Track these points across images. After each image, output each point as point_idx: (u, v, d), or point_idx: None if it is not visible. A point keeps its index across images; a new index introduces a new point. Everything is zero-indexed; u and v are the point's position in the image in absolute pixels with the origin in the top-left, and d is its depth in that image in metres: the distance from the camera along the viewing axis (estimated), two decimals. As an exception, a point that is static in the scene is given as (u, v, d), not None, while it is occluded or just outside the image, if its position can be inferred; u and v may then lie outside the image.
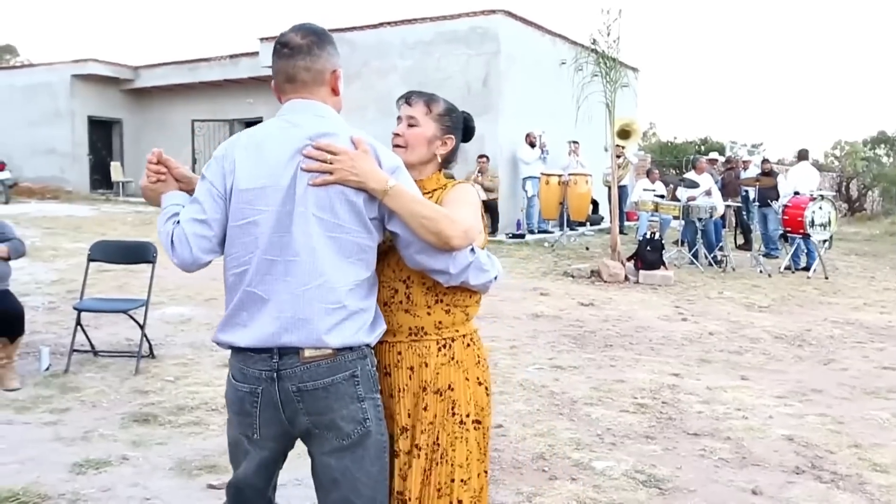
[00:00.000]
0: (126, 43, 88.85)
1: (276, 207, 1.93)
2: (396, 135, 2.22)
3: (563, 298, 8.69)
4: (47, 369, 5.28)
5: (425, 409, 2.12)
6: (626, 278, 10.14)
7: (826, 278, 10.94)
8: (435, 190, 2.21)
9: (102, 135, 23.14)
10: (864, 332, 7.46)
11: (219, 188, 2.00)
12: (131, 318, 5.61)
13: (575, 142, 15.16)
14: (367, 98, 15.70)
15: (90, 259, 5.69)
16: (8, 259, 5.00)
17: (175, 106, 22.62)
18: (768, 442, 4.33)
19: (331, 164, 1.91)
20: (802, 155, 13.27)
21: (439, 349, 2.14)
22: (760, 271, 11.30)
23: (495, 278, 2.16)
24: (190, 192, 2.13)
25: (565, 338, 6.79)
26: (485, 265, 2.11)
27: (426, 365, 2.12)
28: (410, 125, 2.20)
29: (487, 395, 2.22)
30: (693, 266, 11.69)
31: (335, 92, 2.08)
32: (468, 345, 2.20)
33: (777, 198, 12.55)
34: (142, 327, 5.45)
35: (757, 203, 12.88)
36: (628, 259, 10.60)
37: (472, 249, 2.07)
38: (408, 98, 2.24)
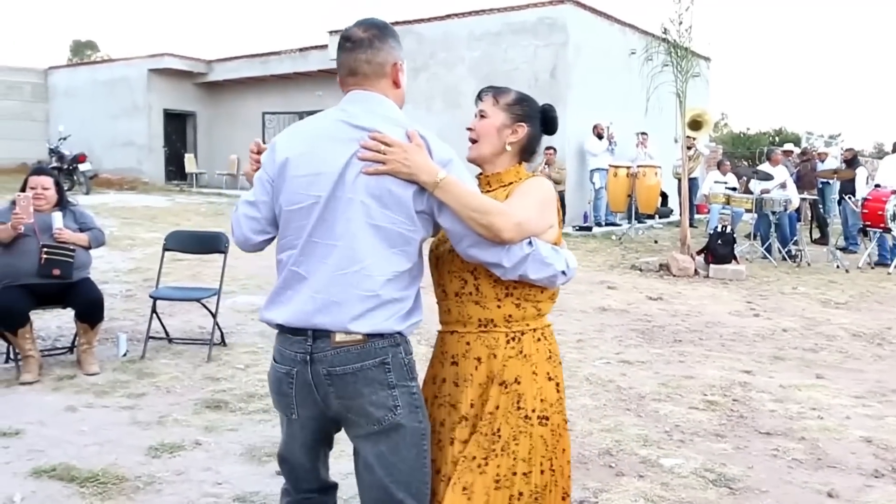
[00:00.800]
0: (200, 37, 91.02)
1: (326, 193, 1.97)
2: (469, 129, 2.24)
3: (630, 292, 8.57)
4: (125, 355, 5.46)
5: (488, 399, 2.10)
6: (696, 272, 9.94)
7: (908, 274, 10.52)
8: (511, 183, 2.20)
9: (177, 127, 23.84)
10: (948, 331, 7.14)
11: (269, 174, 2.07)
12: (204, 306, 5.76)
13: (643, 133, 14.91)
14: (435, 90, 15.76)
15: (165, 249, 5.86)
16: (89, 248, 5.18)
17: (246, 99, 23.12)
18: (845, 443, 4.19)
19: (384, 154, 1.94)
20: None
21: (508, 342, 2.12)
22: (837, 266, 10.93)
23: (563, 273, 2.11)
24: None
25: (633, 332, 6.69)
26: (547, 258, 2.06)
27: (494, 356, 2.11)
28: (481, 117, 2.23)
29: (558, 391, 2.18)
30: (766, 260, 11.38)
31: (396, 84, 2.12)
32: (539, 339, 2.17)
33: (853, 191, 12.14)
34: (214, 316, 5.58)
35: (837, 196, 12.46)
36: (698, 253, 10.39)
37: (530, 242, 2.04)
38: (480, 94, 2.27)
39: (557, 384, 2.18)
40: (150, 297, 5.65)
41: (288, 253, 2.03)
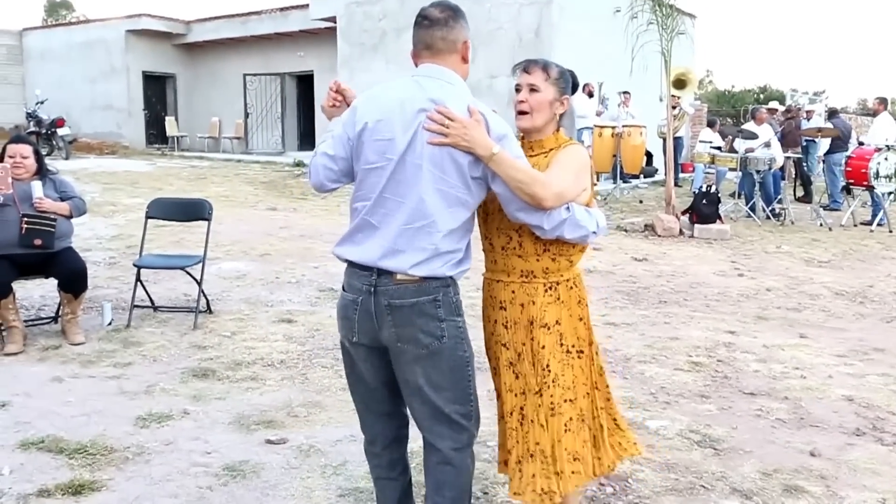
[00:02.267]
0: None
1: (398, 156, 2.24)
2: (521, 101, 2.47)
3: (616, 253, 8.60)
4: (110, 324, 5.43)
5: (533, 339, 2.45)
6: (681, 232, 9.98)
7: (890, 232, 10.62)
8: (552, 149, 2.48)
9: (157, 90, 23.48)
10: (929, 288, 7.23)
11: (349, 133, 2.33)
12: (189, 274, 5.73)
13: (626, 92, 14.84)
14: (418, 50, 15.54)
15: (148, 217, 5.80)
16: (70, 217, 5.12)
17: (227, 60, 22.78)
18: (827, 402, 4.25)
19: (447, 128, 2.20)
20: (885, 103, 12.64)
21: (546, 291, 2.45)
22: (821, 225, 11.01)
23: (594, 233, 2.41)
24: None
25: (619, 294, 6.73)
26: (581, 221, 2.36)
27: (534, 303, 2.45)
28: (532, 90, 2.46)
29: (587, 328, 2.55)
30: (750, 219, 11.44)
31: (465, 60, 2.40)
32: (571, 287, 2.50)
33: (838, 149, 12.20)
34: (199, 283, 5.55)
35: (821, 154, 12.50)
36: (683, 213, 10.42)
37: (568, 207, 2.34)
38: (526, 67, 2.50)
39: (586, 323, 2.55)
40: (134, 265, 5.60)
41: (362, 203, 2.32)
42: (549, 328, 2.45)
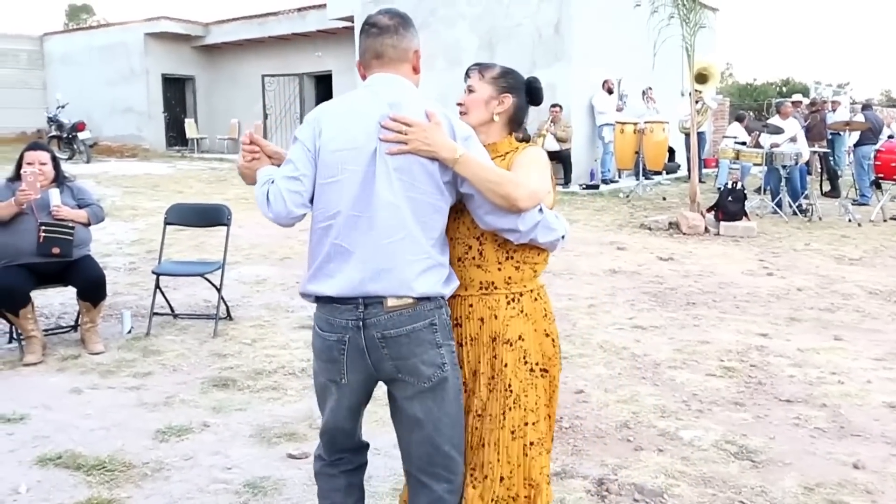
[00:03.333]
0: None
1: (362, 168, 2.10)
2: (459, 104, 2.40)
3: (640, 253, 8.44)
4: (129, 332, 5.37)
5: (495, 357, 2.27)
6: (707, 230, 9.79)
7: (922, 227, 10.36)
8: (507, 153, 2.34)
9: (176, 92, 23.53)
10: (966, 286, 7.02)
11: (310, 148, 2.15)
12: (208, 280, 5.65)
13: (649, 87, 14.64)
14: (435, 48, 15.43)
15: (167, 223, 5.72)
16: (88, 224, 5.06)
17: (245, 61, 22.79)
18: (868, 410, 4.09)
19: (405, 135, 2.09)
20: None
21: (508, 303, 2.28)
22: (849, 220, 10.77)
23: (563, 237, 2.28)
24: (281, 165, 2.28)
25: (645, 295, 6.58)
26: (552, 224, 2.24)
27: (495, 317, 2.27)
28: (469, 91, 2.38)
29: (554, 346, 2.37)
30: (776, 216, 11.22)
31: (416, 70, 2.29)
32: (535, 299, 2.34)
33: (868, 142, 11.94)
34: (219, 290, 5.48)
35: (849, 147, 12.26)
36: (708, 210, 10.23)
37: (540, 209, 2.21)
38: (467, 72, 2.43)
39: (553, 339, 2.37)
40: (153, 273, 5.54)
41: (325, 224, 2.13)
42: (511, 344, 2.27)
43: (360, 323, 2.10)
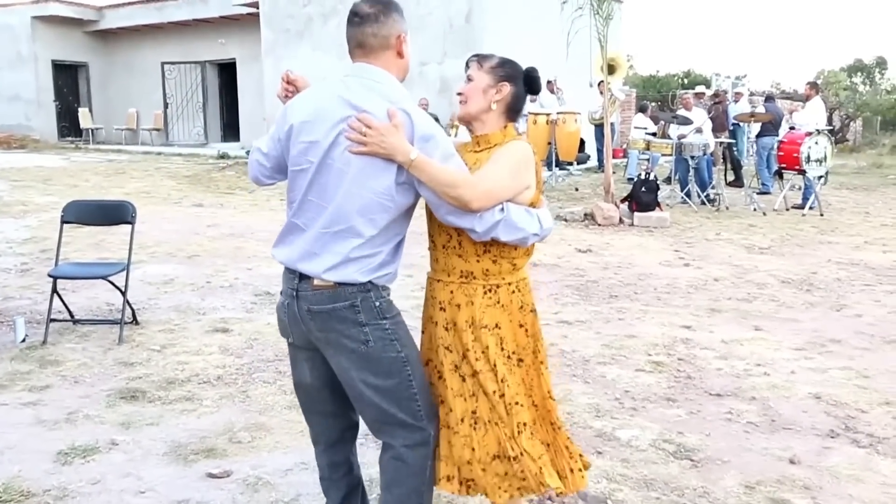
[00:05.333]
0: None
1: (319, 159, 2.21)
2: (458, 93, 2.43)
3: (559, 244, 8.41)
4: (23, 341, 4.93)
5: (477, 340, 2.32)
6: (621, 221, 9.88)
7: (822, 215, 10.76)
8: (495, 145, 2.37)
9: (68, 80, 22.33)
10: (870, 273, 7.27)
11: (279, 134, 2.33)
12: (111, 283, 5.25)
13: (555, 78, 14.69)
14: (343, 36, 15.09)
15: (63, 221, 5.28)
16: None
17: (143, 48, 21.83)
18: (795, 401, 4.11)
19: (365, 136, 2.15)
20: (816, 88, 12.66)
21: (485, 293, 2.34)
22: (755, 210, 11.08)
23: (536, 235, 2.29)
24: None
25: (568, 288, 6.53)
26: (518, 223, 2.25)
27: (472, 303, 2.34)
28: (469, 80, 2.41)
29: (527, 335, 2.40)
30: (686, 205, 11.46)
31: (400, 55, 2.31)
32: (513, 291, 2.37)
33: (768, 133, 12.32)
34: (123, 294, 5.09)
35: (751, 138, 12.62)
36: (622, 200, 10.33)
37: (502, 209, 2.23)
38: (467, 62, 2.45)
39: (527, 330, 2.40)
40: (50, 276, 5.10)
41: (292, 205, 2.30)
42: (489, 329, 2.34)
43: (295, 293, 2.29)
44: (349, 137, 2.17)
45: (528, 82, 2.42)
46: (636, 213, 9.90)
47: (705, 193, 11.60)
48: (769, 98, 14.67)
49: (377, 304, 2.27)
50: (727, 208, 11.22)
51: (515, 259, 2.37)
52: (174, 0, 20.37)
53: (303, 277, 2.26)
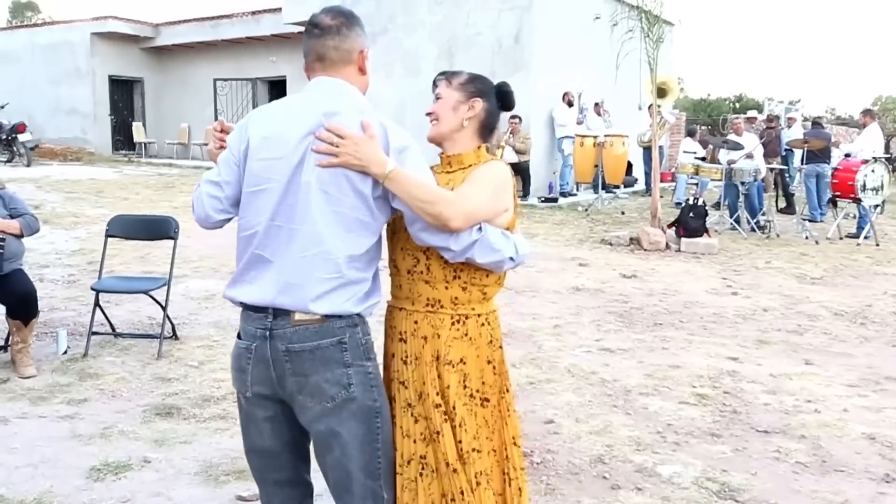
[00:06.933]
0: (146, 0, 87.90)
1: (286, 178, 2.01)
2: (429, 113, 2.30)
3: (603, 269, 8.27)
4: (65, 352, 4.98)
5: (439, 377, 2.16)
6: (668, 246, 9.69)
7: (877, 245, 10.42)
8: (471, 165, 2.25)
9: (123, 94, 22.83)
10: (928, 307, 6.99)
11: (235, 154, 2.11)
12: (152, 298, 5.28)
13: (602, 100, 14.60)
14: (394, 55, 15.18)
15: (108, 235, 5.34)
16: (21, 236, 4.67)
17: (197, 64, 22.23)
18: (848, 441, 3.93)
19: (337, 147, 1.99)
20: (872, 115, 12.35)
21: (452, 324, 2.18)
22: (807, 238, 10.79)
23: (511, 259, 2.15)
24: None
25: (611, 315, 6.39)
26: (495, 245, 2.11)
27: (438, 336, 2.17)
28: (437, 99, 2.29)
29: (495, 373, 2.25)
30: (734, 232, 11.21)
31: (362, 71, 2.17)
32: (483, 324, 2.23)
33: (815, 160, 12.02)
34: (164, 308, 5.12)
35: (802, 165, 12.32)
36: (669, 226, 10.15)
37: (480, 228, 2.09)
38: (434, 81, 2.34)
39: (494, 367, 2.24)
40: (92, 289, 5.15)
41: (249, 233, 2.07)
42: (453, 366, 2.17)
43: (268, 333, 2.04)
44: (318, 150, 2.00)
45: (501, 97, 2.31)
46: (683, 239, 9.70)
47: (755, 220, 11.34)
48: (816, 123, 14.30)
49: (363, 341, 2.10)
50: (778, 236, 10.94)
51: (486, 287, 2.21)
52: (228, 18, 20.76)
53: (278, 314, 2.03)
